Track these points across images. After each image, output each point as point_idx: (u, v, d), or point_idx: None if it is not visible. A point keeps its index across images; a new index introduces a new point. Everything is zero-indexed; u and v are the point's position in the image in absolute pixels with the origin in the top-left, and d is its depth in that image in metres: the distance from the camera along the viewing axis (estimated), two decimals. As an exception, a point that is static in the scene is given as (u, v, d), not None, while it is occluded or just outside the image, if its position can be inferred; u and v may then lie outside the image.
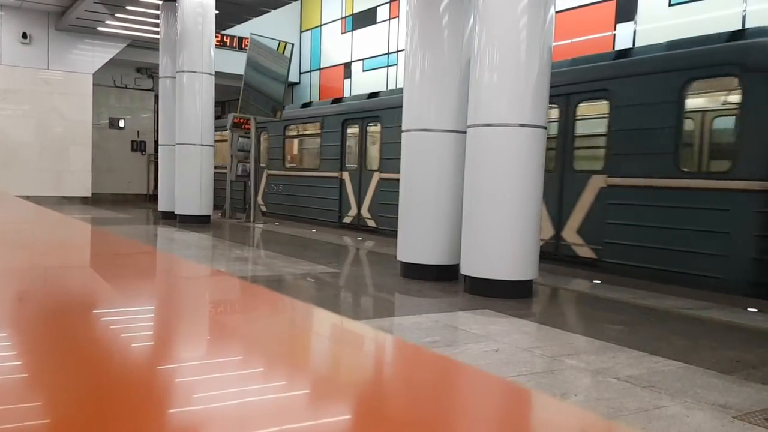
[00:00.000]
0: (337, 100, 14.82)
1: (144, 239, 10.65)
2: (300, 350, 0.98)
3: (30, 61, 17.23)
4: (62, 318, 1.12)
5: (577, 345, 4.33)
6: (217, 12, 13.01)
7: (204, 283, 1.65)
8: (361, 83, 18.80)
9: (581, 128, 8.66)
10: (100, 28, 16.93)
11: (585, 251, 8.25)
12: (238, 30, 17.71)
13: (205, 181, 12.81)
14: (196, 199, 12.70)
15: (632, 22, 11.60)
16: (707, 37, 7.46)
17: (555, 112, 8.49)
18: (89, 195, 18.23)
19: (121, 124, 20.68)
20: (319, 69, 21.17)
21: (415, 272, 6.92)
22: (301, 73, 21.86)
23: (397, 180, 8.93)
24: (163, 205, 13.92)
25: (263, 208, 15.08)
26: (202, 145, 12.67)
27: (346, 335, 1.06)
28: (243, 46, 18.61)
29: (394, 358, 0.92)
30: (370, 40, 18.74)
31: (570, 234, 8.43)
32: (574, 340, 4.46)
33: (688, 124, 7.57)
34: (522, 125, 5.83)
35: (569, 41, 12.27)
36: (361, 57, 19.17)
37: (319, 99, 20.24)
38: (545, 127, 6.04)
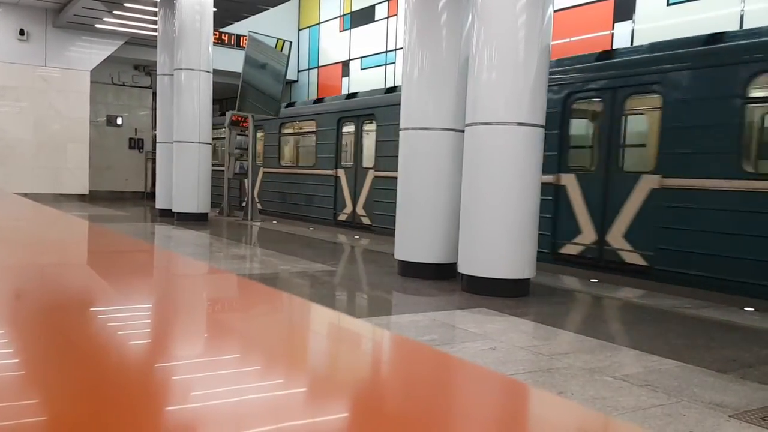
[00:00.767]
0: (319, 101, 15.09)
1: (141, 237, 10.63)
2: (297, 347, 0.98)
3: (27, 58, 17.19)
4: (59, 315, 1.12)
5: (573, 344, 4.34)
6: (215, 9, 12.99)
7: (201, 280, 1.65)
8: (360, 81, 18.79)
9: (631, 125, 8.03)
10: (97, 26, 16.90)
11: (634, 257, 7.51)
12: (237, 28, 17.68)
13: (202, 178, 12.79)
14: (194, 197, 12.69)
15: (630, 21, 11.60)
16: (758, 29, 6.96)
17: (597, 107, 7.93)
18: (86, 192, 18.21)
19: (119, 121, 20.64)
20: (318, 67, 21.15)
21: (413, 271, 6.92)
22: (299, 71, 21.84)
23: (392, 178, 9.40)
24: (160, 203, 13.90)
25: (259, 206, 15.09)
26: (199, 142, 12.66)
27: (344, 332, 1.06)
28: (241, 44, 18.57)
29: (392, 354, 0.92)
30: (368, 39, 18.72)
31: (616, 239, 7.73)
32: (571, 339, 4.47)
33: (755, 120, 6.90)
34: (520, 124, 5.84)
35: (567, 40, 12.27)
36: (359, 55, 19.15)
37: (317, 97, 20.24)
38: (543, 126, 6.04)
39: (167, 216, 13.23)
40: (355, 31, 19.25)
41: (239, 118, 14.09)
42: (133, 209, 16.30)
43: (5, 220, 2.93)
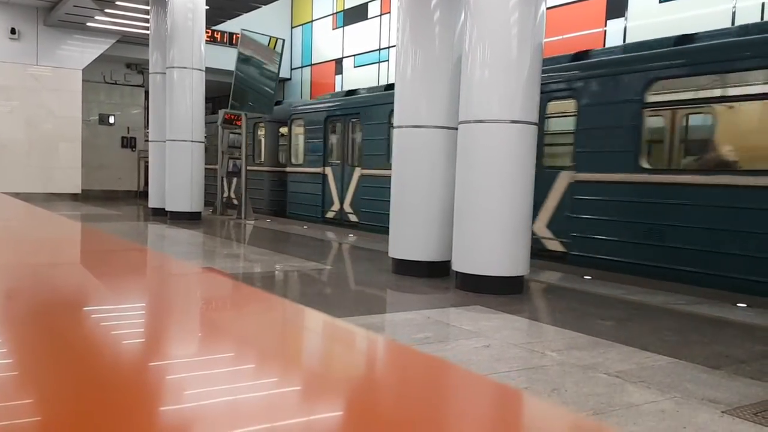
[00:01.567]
0: (278, 102, 15.81)
1: (134, 236, 10.60)
2: (288, 351, 0.97)
3: (18, 56, 17.09)
4: (50, 316, 1.11)
5: (567, 341, 4.35)
6: (207, 7, 12.94)
7: (190, 280, 1.64)
8: (353, 79, 18.77)
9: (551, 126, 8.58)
10: (89, 24, 16.81)
11: None
12: (229, 26, 17.63)
13: (195, 177, 12.76)
14: (187, 196, 12.65)
15: (623, 19, 11.63)
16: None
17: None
18: (79, 192, 18.13)
19: (111, 120, 20.56)
20: (311, 65, 21.12)
21: (407, 269, 6.92)
22: (292, 69, 21.79)
23: (377, 176, 11.40)
24: (153, 202, 13.86)
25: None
26: (192, 141, 12.62)
27: (334, 335, 1.05)
28: (234, 42, 18.52)
29: (382, 358, 0.91)
30: (361, 36, 18.70)
31: (541, 229, 8.38)
32: (564, 336, 4.48)
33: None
34: (513, 121, 5.84)
35: (560, 37, 12.29)
36: (352, 53, 19.13)
37: (311, 96, 20.20)
38: (536, 124, 6.05)
39: (160, 215, 13.19)
40: (348, 28, 19.23)
41: (232, 117, 14.06)
42: (126, 208, 16.24)
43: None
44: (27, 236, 2.33)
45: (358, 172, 12.36)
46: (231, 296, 1.42)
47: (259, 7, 15.46)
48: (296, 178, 14.52)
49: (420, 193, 6.90)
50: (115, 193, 20.22)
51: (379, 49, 17.98)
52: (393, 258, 7.13)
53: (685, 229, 6.89)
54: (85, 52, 17.96)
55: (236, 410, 0.70)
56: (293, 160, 14.83)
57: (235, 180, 14.71)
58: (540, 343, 4.30)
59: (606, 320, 5.05)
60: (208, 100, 14.40)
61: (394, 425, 0.66)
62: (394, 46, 7.48)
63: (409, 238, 6.95)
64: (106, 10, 15.39)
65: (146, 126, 18.65)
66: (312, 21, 20.87)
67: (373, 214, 11.57)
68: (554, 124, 8.90)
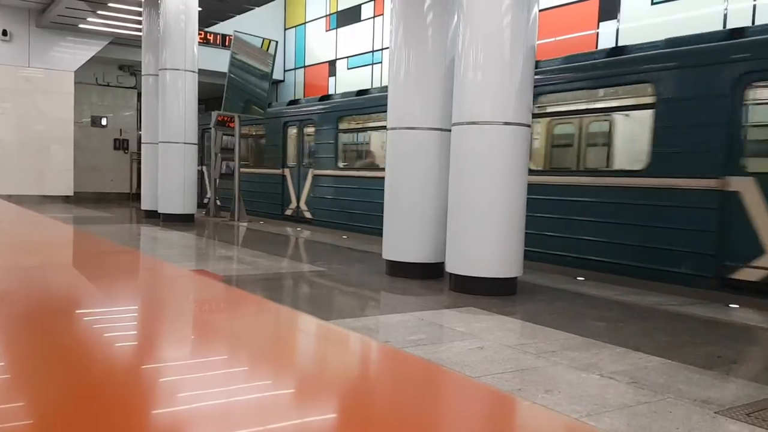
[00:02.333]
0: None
1: (126, 238, 10.56)
2: (278, 355, 0.97)
3: (10, 58, 17.01)
4: (35, 319, 1.11)
5: (560, 341, 4.36)
6: (200, 9, 12.91)
7: (178, 283, 1.64)
8: (346, 81, 18.77)
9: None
10: (81, 26, 16.75)
11: None
12: (222, 27, 17.59)
13: (188, 179, 12.72)
14: (180, 198, 12.61)
15: (615, 21, 11.67)
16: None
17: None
18: (71, 194, 18.05)
19: (104, 122, 20.48)
20: (304, 66, 21.10)
21: (401, 270, 6.92)
22: (285, 71, 21.77)
23: (328, 176, 12.90)
24: (146, 204, 13.81)
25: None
26: (185, 143, 12.58)
27: (324, 338, 1.05)
28: (226, 44, 18.49)
29: (373, 361, 0.91)
30: (354, 38, 18.70)
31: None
32: (557, 337, 4.49)
33: None
34: (506, 123, 5.85)
35: (553, 39, 12.32)
36: (345, 55, 19.13)
37: (304, 97, 20.19)
38: (529, 125, 6.06)
39: (153, 217, 13.15)
40: (342, 30, 19.23)
41: (225, 118, 14.03)
42: (119, 210, 16.18)
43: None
44: (15, 239, 2.32)
45: (311, 173, 13.54)
46: (219, 299, 1.41)
47: (252, 9, 15.44)
48: (259, 178, 15.43)
49: (413, 195, 6.90)
50: (107, 196, 20.14)
51: (373, 51, 17.99)
52: (386, 260, 7.12)
53: None
54: (77, 53, 17.89)
55: (226, 414, 0.70)
56: (259, 162, 16.02)
57: (216, 180, 15.08)
58: (533, 344, 4.31)
59: (599, 321, 5.06)
60: (200, 101, 14.37)
61: (384, 428, 0.66)
62: (388, 48, 7.47)
63: (402, 240, 6.95)
64: (99, 12, 15.34)
65: (139, 128, 18.59)
66: (305, 23, 20.86)
67: (325, 211, 12.99)
68: None
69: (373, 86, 16.75)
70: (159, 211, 12.81)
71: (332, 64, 19.71)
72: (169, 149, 12.56)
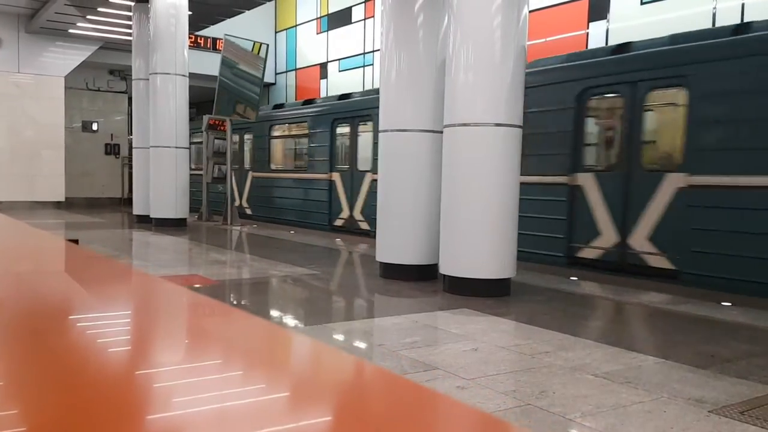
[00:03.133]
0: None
1: (118, 244, 10.51)
2: (266, 374, 0.96)
3: (0, 64, 16.93)
4: (14, 330, 1.10)
5: (554, 342, 4.36)
6: (190, 13, 12.88)
7: (150, 296, 1.62)
8: (338, 83, 18.77)
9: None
10: (71, 31, 16.69)
11: None
12: (212, 31, 17.57)
13: (180, 183, 12.68)
14: (172, 202, 12.57)
15: (605, 21, 11.72)
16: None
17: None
18: (63, 199, 17.97)
19: (95, 127, 20.41)
20: (295, 69, 21.09)
21: (395, 273, 6.92)
22: (276, 74, 21.75)
23: (264, 177, 14.85)
24: (138, 209, 13.76)
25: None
26: (177, 147, 12.55)
27: (314, 360, 1.03)
28: (217, 47, 18.46)
29: (361, 385, 0.89)
30: (345, 41, 18.71)
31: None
32: (551, 338, 4.49)
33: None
34: (497, 125, 5.86)
35: (543, 40, 12.36)
36: (337, 57, 19.13)
37: (296, 99, 20.17)
38: (521, 126, 6.07)
39: (145, 222, 13.10)
40: (333, 33, 19.23)
41: (216, 122, 14.00)
42: (111, 216, 16.11)
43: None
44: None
45: (251, 175, 14.85)
46: (210, 316, 1.40)
47: (242, 12, 15.42)
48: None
49: (406, 197, 6.90)
50: (99, 201, 20.06)
51: (364, 53, 18.00)
52: (380, 262, 7.12)
53: None
54: (67, 59, 17.82)
55: (219, 421, 0.69)
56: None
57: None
58: (527, 345, 4.31)
59: (592, 321, 5.07)
60: (192, 105, 14.34)
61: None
62: (379, 50, 7.47)
63: (396, 242, 6.95)
64: (88, 17, 15.29)
65: (130, 132, 18.53)
66: (296, 25, 20.85)
67: (262, 208, 15.14)
68: None
69: (364, 89, 16.75)
70: (151, 216, 12.76)
71: (323, 66, 19.70)
72: (161, 154, 12.52)
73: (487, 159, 5.90)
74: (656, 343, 4.41)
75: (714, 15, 10.11)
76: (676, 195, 6.95)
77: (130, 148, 16.77)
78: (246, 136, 15.87)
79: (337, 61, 19.10)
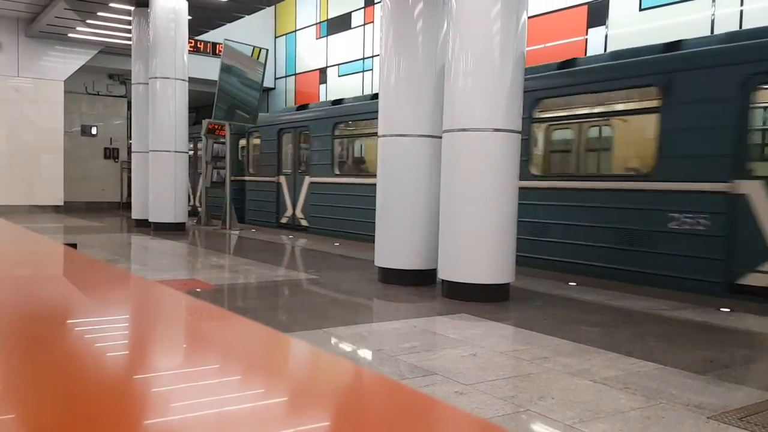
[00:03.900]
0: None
1: (117, 248, 10.51)
2: (265, 379, 0.95)
3: (-1, 68, 16.96)
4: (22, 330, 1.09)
5: (553, 347, 4.36)
6: (190, 17, 12.91)
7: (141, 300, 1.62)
8: (337, 88, 18.79)
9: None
10: (71, 35, 16.71)
11: None
12: (212, 35, 17.60)
13: (179, 188, 12.69)
14: (171, 207, 12.57)
15: (604, 27, 11.75)
16: None
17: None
18: (62, 203, 17.96)
19: (94, 131, 20.41)
20: (295, 74, 21.11)
21: (393, 277, 6.91)
22: (276, 79, 21.78)
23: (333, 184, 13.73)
24: (137, 213, 13.76)
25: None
26: (176, 151, 12.55)
27: (312, 365, 1.03)
28: (217, 52, 18.48)
29: (362, 392, 0.89)
30: (345, 46, 18.73)
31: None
32: (550, 343, 4.49)
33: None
34: (496, 130, 5.86)
35: (542, 46, 12.38)
36: (336, 62, 19.15)
37: (295, 104, 20.20)
38: (519, 132, 6.08)
39: (144, 226, 13.09)
40: (332, 38, 19.26)
41: (215, 127, 14.01)
42: (110, 220, 16.11)
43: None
44: None
45: (307, 181, 14.89)
46: (207, 322, 1.40)
47: (242, 17, 15.45)
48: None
49: (405, 202, 6.90)
50: (98, 205, 20.05)
51: (363, 59, 18.02)
52: (379, 267, 7.11)
53: None
54: (66, 63, 17.83)
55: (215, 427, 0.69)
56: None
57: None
58: (526, 350, 4.30)
59: (591, 327, 5.06)
60: (191, 110, 14.35)
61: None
62: (378, 55, 7.49)
63: (394, 247, 6.94)
64: (88, 21, 15.31)
65: (129, 137, 18.55)
66: (296, 30, 20.88)
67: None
68: None
69: (364, 93, 16.77)
70: (150, 220, 12.76)
71: (323, 71, 19.73)
72: (160, 158, 12.53)
73: (486, 164, 5.91)
74: (655, 349, 4.41)
75: (713, 21, 10.14)
76: None
77: (129, 152, 16.77)
78: (301, 137, 14.06)
79: (337, 66, 19.12)
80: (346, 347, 4.43)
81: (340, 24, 18.89)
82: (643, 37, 10.05)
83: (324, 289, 6.89)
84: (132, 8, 13.78)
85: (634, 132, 8.28)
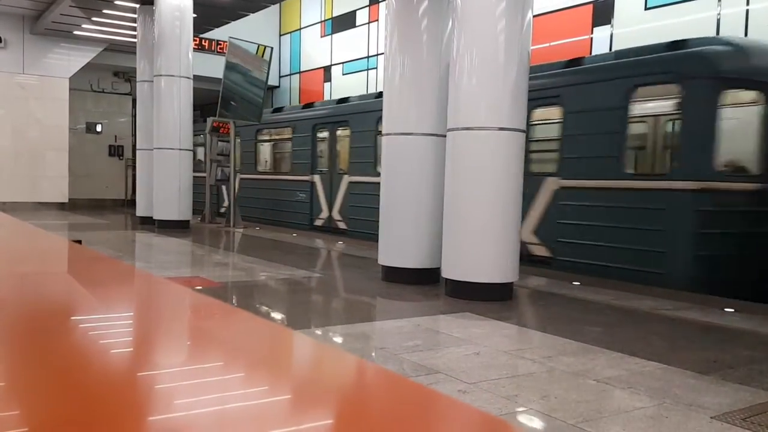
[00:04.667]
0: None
1: (121, 245, 10.53)
2: (269, 375, 0.96)
3: (5, 65, 16.99)
4: (10, 332, 1.10)
5: (556, 347, 4.35)
6: (195, 15, 12.92)
7: (152, 297, 1.63)
8: (341, 87, 18.79)
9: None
10: (76, 32, 16.74)
11: None
12: (217, 33, 17.61)
13: (183, 185, 12.70)
14: (175, 204, 12.59)
15: (609, 26, 11.72)
16: None
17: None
18: (66, 200, 18.00)
19: (99, 128, 20.46)
20: (299, 72, 21.12)
21: (397, 276, 6.91)
22: (281, 77, 21.79)
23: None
24: (141, 211, 13.79)
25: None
26: (180, 149, 12.57)
27: (315, 360, 1.03)
28: (221, 50, 18.49)
29: (363, 384, 0.89)
30: (349, 44, 18.74)
31: None
32: (553, 342, 4.48)
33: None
34: (501, 129, 5.86)
35: (547, 45, 12.36)
36: (341, 60, 19.16)
37: (300, 103, 20.21)
38: (524, 131, 6.07)
39: (148, 223, 13.12)
40: (337, 36, 19.26)
41: (220, 125, 14.02)
42: (114, 217, 16.14)
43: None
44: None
45: (346, 179, 15.03)
46: (209, 315, 1.40)
47: (246, 15, 15.46)
48: None
49: (409, 201, 6.89)
50: (102, 202, 20.10)
51: (368, 57, 18.02)
52: (382, 265, 7.12)
53: None
54: (72, 60, 17.87)
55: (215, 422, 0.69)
56: None
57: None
58: (529, 349, 4.30)
59: (594, 326, 5.06)
60: (196, 107, 14.36)
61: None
62: (383, 53, 7.48)
63: (398, 246, 6.94)
64: (93, 19, 15.33)
65: (134, 134, 18.59)
66: (300, 29, 20.89)
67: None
68: None
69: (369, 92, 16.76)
70: (154, 218, 12.78)
71: (327, 69, 19.73)
72: (164, 156, 12.55)
73: (490, 163, 5.90)
74: (658, 349, 4.41)
75: (719, 21, 10.10)
76: None
77: (134, 149, 16.81)
78: (338, 132, 13.24)
79: (341, 65, 19.13)
80: (349, 345, 4.44)
81: (344, 22, 18.89)
82: (649, 36, 10.02)
83: (327, 288, 6.89)
84: (137, 6, 13.80)
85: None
